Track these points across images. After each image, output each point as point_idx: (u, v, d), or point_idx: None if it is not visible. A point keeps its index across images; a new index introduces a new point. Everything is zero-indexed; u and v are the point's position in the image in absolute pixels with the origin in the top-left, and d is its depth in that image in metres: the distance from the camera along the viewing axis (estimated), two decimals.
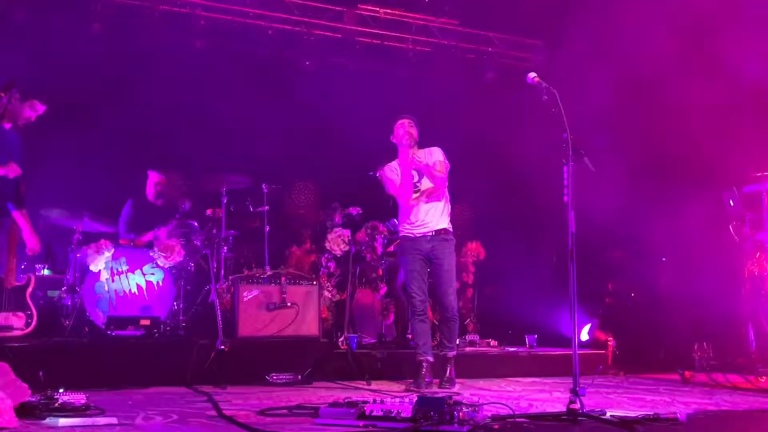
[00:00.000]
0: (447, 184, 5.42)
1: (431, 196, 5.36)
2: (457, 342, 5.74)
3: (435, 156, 5.40)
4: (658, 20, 7.61)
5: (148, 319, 5.84)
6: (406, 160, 5.40)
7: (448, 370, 5.36)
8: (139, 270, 6.15)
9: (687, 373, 5.99)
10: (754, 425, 4.02)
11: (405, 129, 5.46)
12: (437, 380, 5.35)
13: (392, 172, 5.52)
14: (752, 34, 6.89)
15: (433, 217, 5.36)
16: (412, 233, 5.39)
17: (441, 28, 9.05)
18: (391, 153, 7.42)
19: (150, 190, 6.89)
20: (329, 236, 6.70)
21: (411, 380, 5.33)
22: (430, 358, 5.34)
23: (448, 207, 5.45)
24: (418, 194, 5.38)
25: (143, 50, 7.84)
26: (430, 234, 5.34)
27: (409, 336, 6.70)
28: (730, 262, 6.46)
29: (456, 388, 5.21)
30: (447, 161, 5.41)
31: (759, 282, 6.26)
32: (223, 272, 6.48)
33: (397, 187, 5.44)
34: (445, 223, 5.38)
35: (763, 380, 5.64)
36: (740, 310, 6.33)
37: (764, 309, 6.17)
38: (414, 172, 5.41)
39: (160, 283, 6.19)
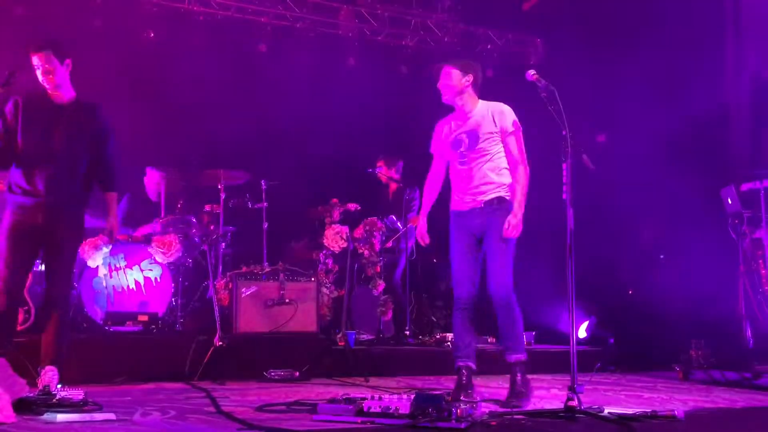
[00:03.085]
0: (521, 148, 4.42)
1: (477, 167, 4.38)
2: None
3: (494, 123, 4.37)
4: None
5: (146, 314, 5.84)
6: (459, 120, 4.52)
7: (517, 380, 4.25)
8: (137, 266, 6.14)
9: (684, 371, 6.00)
10: (752, 423, 4.03)
11: (440, 82, 4.53)
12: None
13: (439, 135, 4.59)
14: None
15: (485, 184, 4.38)
16: (458, 207, 4.47)
17: (440, 24, 9.04)
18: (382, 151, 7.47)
19: (151, 188, 6.88)
20: (327, 233, 6.70)
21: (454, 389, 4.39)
22: (472, 364, 4.38)
23: (507, 171, 4.39)
24: (465, 165, 4.42)
25: (141, 45, 7.83)
26: (480, 206, 4.38)
27: (407, 332, 6.72)
28: (728, 259, 6.47)
29: (539, 392, 4.27)
30: (516, 124, 4.41)
31: (756, 280, 6.27)
32: (221, 268, 6.48)
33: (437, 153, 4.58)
34: (501, 191, 4.36)
35: (760, 378, 5.65)
36: (738, 308, 6.34)
37: (761, 307, 6.18)
38: (464, 137, 4.44)
39: (158, 279, 6.18)
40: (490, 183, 4.38)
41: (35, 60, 4.16)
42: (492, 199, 4.37)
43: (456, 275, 4.49)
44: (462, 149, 4.44)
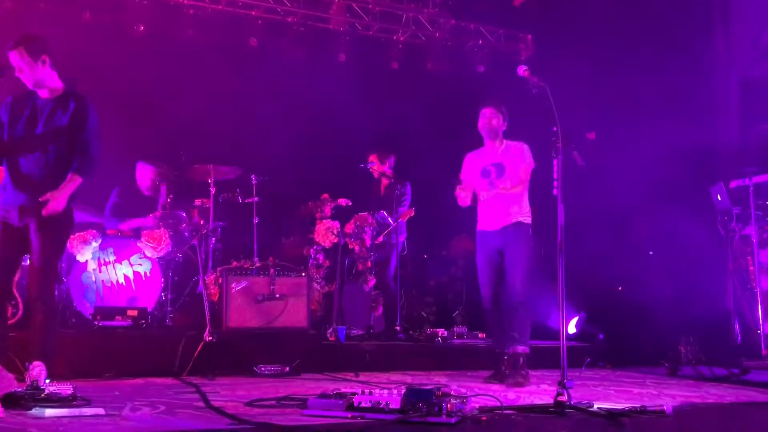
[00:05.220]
0: (526, 183, 5.30)
1: (504, 194, 5.26)
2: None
3: (517, 159, 5.25)
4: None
5: (135, 309, 5.81)
6: (487, 154, 5.37)
7: (520, 364, 5.09)
8: (126, 260, 6.11)
9: (673, 366, 6.04)
10: (740, 418, 4.06)
11: (485, 119, 5.34)
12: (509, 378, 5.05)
13: (469, 165, 5.43)
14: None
15: (504, 212, 5.24)
16: (483, 228, 5.35)
17: (431, 20, 9.03)
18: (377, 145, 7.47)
19: (145, 183, 6.84)
20: (318, 228, 6.69)
21: (492, 371, 5.34)
22: (509, 350, 5.16)
23: (525, 201, 5.31)
24: (493, 191, 5.28)
25: (131, 39, 7.79)
26: (502, 228, 5.24)
27: (398, 328, 6.73)
28: (717, 256, 6.50)
29: (529, 387, 4.87)
30: (532, 161, 5.26)
31: (745, 276, 6.30)
32: (211, 263, 6.45)
33: (468, 189, 5.28)
34: (518, 216, 5.25)
35: (748, 374, 5.69)
36: (726, 304, 6.37)
37: (750, 303, 6.22)
38: (492, 168, 5.30)
39: (148, 274, 6.16)
40: (511, 210, 5.24)
41: (11, 58, 4.15)
42: (512, 223, 5.23)
43: (482, 285, 5.35)
44: (490, 178, 5.28)
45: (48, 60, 4.18)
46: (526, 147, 5.32)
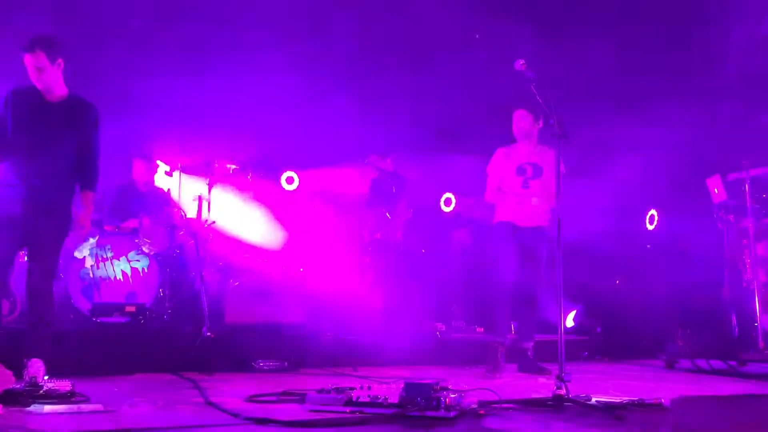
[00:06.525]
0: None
1: (540, 195, 5.46)
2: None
3: (553, 164, 5.34)
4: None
5: (133, 306, 5.79)
6: (523, 152, 5.55)
7: (532, 358, 5.49)
8: (124, 257, 6.10)
9: (671, 359, 6.05)
10: (737, 410, 4.07)
11: (515, 121, 5.58)
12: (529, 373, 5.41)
13: (501, 159, 5.56)
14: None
15: (536, 213, 5.46)
16: (511, 220, 5.48)
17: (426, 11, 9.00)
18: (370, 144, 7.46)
19: (141, 179, 6.83)
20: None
21: (490, 365, 5.35)
22: (525, 345, 5.50)
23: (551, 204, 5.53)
24: (527, 189, 5.48)
25: (127, 32, 7.74)
26: (534, 226, 5.46)
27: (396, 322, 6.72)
28: (714, 249, 6.51)
29: (527, 381, 5.05)
30: (563, 165, 5.40)
31: (742, 269, 6.32)
32: (209, 258, 6.44)
33: (497, 181, 5.52)
34: (547, 219, 5.48)
35: (745, 366, 5.71)
36: (723, 297, 6.39)
37: (747, 296, 6.23)
38: (528, 167, 5.48)
39: (146, 270, 6.15)
40: (544, 211, 5.46)
41: (26, 59, 4.13)
42: (545, 226, 5.45)
43: (505, 272, 5.45)
44: (525, 176, 5.47)
45: (63, 64, 4.18)
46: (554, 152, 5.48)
